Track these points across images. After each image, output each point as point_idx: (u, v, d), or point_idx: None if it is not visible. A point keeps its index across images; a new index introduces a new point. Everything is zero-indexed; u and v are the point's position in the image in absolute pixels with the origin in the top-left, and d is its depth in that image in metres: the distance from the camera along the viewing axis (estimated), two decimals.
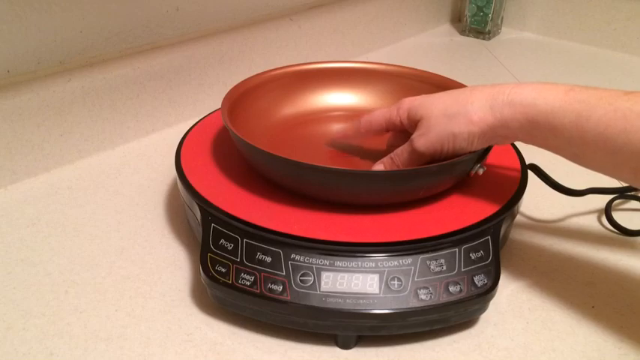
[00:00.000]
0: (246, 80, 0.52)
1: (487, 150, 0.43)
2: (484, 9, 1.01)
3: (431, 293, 0.37)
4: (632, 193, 0.54)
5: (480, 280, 0.38)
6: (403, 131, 0.46)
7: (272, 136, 0.52)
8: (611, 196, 0.54)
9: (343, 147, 0.52)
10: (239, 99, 0.50)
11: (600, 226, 0.52)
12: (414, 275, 0.37)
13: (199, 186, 0.44)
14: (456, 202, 0.43)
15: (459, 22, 1.10)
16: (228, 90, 0.50)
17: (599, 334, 0.40)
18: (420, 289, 0.37)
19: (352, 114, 0.56)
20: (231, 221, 0.40)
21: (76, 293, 0.43)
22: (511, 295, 0.43)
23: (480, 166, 0.43)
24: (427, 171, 0.40)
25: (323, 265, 0.38)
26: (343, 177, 0.40)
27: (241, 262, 0.38)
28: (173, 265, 0.46)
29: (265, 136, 0.51)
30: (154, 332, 0.40)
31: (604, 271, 0.46)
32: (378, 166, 0.45)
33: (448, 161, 0.41)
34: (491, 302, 0.40)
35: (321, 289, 0.37)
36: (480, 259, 0.39)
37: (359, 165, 0.49)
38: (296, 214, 0.41)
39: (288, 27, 0.78)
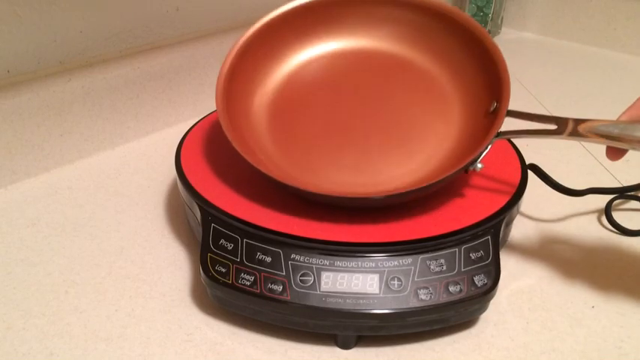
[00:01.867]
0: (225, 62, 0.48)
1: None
2: (484, 9, 1.01)
3: (431, 293, 0.37)
4: (632, 193, 0.54)
5: (480, 280, 0.38)
6: None
7: (273, 106, 0.50)
8: (611, 196, 0.54)
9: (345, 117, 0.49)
10: (230, 85, 0.47)
11: (600, 226, 0.52)
12: (414, 275, 0.37)
13: (199, 186, 0.44)
14: (456, 202, 0.43)
15: None
16: None
17: (599, 334, 0.40)
18: (420, 289, 0.37)
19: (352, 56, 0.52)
20: (231, 221, 0.40)
21: (76, 293, 0.43)
22: (511, 295, 0.43)
23: (477, 163, 0.43)
24: (422, 190, 0.40)
25: (323, 265, 0.38)
26: (349, 202, 0.41)
27: (241, 262, 0.38)
28: (173, 265, 0.46)
29: (266, 105, 0.49)
30: (154, 332, 0.40)
31: (604, 271, 0.46)
32: None
33: (443, 178, 0.40)
34: (492, 302, 0.40)
35: (321, 289, 0.37)
36: (480, 259, 0.39)
37: (362, 132, 0.48)
38: (296, 214, 0.41)
39: None
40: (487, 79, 0.45)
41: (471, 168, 0.43)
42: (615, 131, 0.37)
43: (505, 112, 0.42)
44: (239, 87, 0.48)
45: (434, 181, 0.39)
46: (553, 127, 0.40)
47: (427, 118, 0.48)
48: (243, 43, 0.48)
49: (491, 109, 0.44)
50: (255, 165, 0.40)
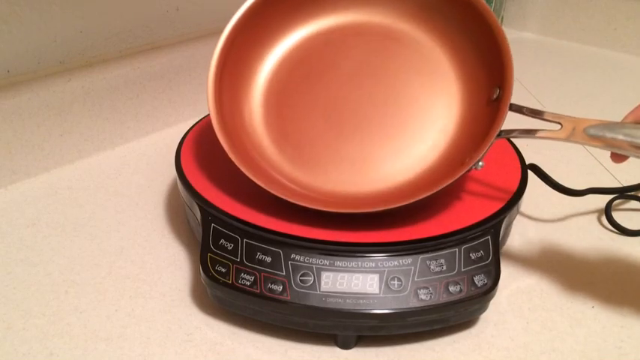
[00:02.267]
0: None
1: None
2: None
3: (431, 293, 0.37)
4: (632, 193, 0.54)
5: (479, 280, 0.38)
6: None
7: (267, 96, 0.48)
8: (611, 196, 0.53)
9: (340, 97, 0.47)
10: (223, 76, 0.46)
11: (600, 226, 0.52)
12: (414, 275, 0.37)
13: (199, 186, 0.44)
14: (456, 202, 0.43)
15: None
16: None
17: (599, 334, 0.40)
18: (420, 289, 0.37)
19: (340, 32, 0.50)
20: (231, 221, 0.40)
21: (76, 293, 0.43)
22: (511, 295, 0.43)
23: (479, 161, 0.42)
24: (425, 199, 0.40)
25: (323, 265, 0.38)
26: (348, 216, 0.40)
27: (241, 262, 0.38)
28: (173, 265, 0.46)
29: (259, 99, 0.48)
30: (154, 332, 0.40)
31: (604, 271, 0.46)
32: None
33: (446, 185, 0.39)
34: (492, 302, 0.40)
35: (321, 289, 0.37)
36: (480, 259, 0.39)
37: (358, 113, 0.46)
38: (296, 214, 0.41)
39: None
40: (489, 62, 0.44)
41: (473, 167, 0.43)
42: (619, 137, 0.36)
43: (509, 97, 0.41)
44: (230, 85, 0.46)
45: (437, 189, 0.39)
46: (557, 126, 0.39)
47: (427, 102, 0.46)
48: (228, 36, 0.45)
49: (494, 96, 0.42)
50: (247, 173, 0.40)
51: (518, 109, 0.41)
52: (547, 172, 0.49)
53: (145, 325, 0.40)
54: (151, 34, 0.66)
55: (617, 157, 0.39)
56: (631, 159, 0.38)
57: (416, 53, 0.48)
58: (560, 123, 0.39)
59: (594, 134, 0.37)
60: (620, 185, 0.57)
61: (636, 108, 0.38)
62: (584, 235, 0.51)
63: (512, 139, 0.50)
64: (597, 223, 0.52)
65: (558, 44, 1.01)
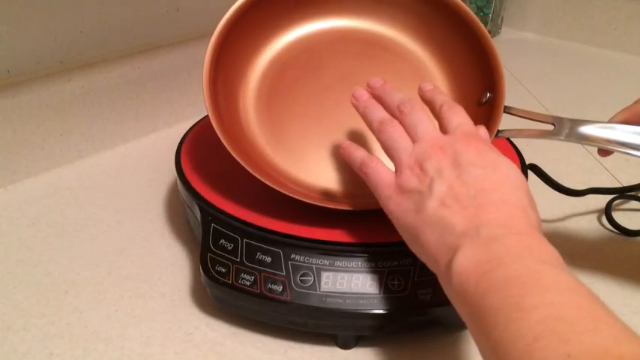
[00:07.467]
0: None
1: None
2: (484, 9, 1.01)
3: (431, 293, 0.37)
4: (632, 193, 0.54)
5: None
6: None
7: (259, 96, 0.48)
8: (611, 196, 0.53)
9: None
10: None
11: (600, 226, 0.52)
12: (413, 275, 0.37)
13: (199, 186, 0.44)
14: None
15: None
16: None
17: None
18: (420, 289, 0.37)
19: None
20: (231, 221, 0.40)
21: (76, 293, 0.43)
22: None
23: None
24: None
25: (323, 265, 0.38)
26: (348, 213, 0.40)
27: (241, 262, 0.38)
28: (173, 265, 0.46)
29: (253, 100, 0.48)
30: (154, 332, 0.40)
31: (604, 271, 0.46)
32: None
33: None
34: None
35: (321, 289, 0.37)
36: None
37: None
38: (296, 214, 0.41)
39: None
40: (477, 66, 0.44)
41: None
42: (610, 137, 0.38)
43: (502, 102, 0.41)
44: (224, 85, 0.46)
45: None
46: (550, 127, 0.40)
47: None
48: (219, 36, 0.45)
49: (484, 99, 0.43)
50: (248, 167, 0.40)
51: (515, 112, 0.42)
52: (547, 172, 0.49)
53: (145, 325, 0.40)
54: (151, 34, 0.66)
55: (604, 152, 0.41)
56: (631, 159, 0.39)
57: (402, 59, 0.49)
58: (553, 123, 0.40)
59: (586, 134, 0.39)
60: (620, 185, 0.57)
61: (625, 109, 0.40)
62: (584, 235, 0.51)
63: (511, 139, 0.50)
64: (597, 223, 0.52)
65: (558, 44, 1.01)
